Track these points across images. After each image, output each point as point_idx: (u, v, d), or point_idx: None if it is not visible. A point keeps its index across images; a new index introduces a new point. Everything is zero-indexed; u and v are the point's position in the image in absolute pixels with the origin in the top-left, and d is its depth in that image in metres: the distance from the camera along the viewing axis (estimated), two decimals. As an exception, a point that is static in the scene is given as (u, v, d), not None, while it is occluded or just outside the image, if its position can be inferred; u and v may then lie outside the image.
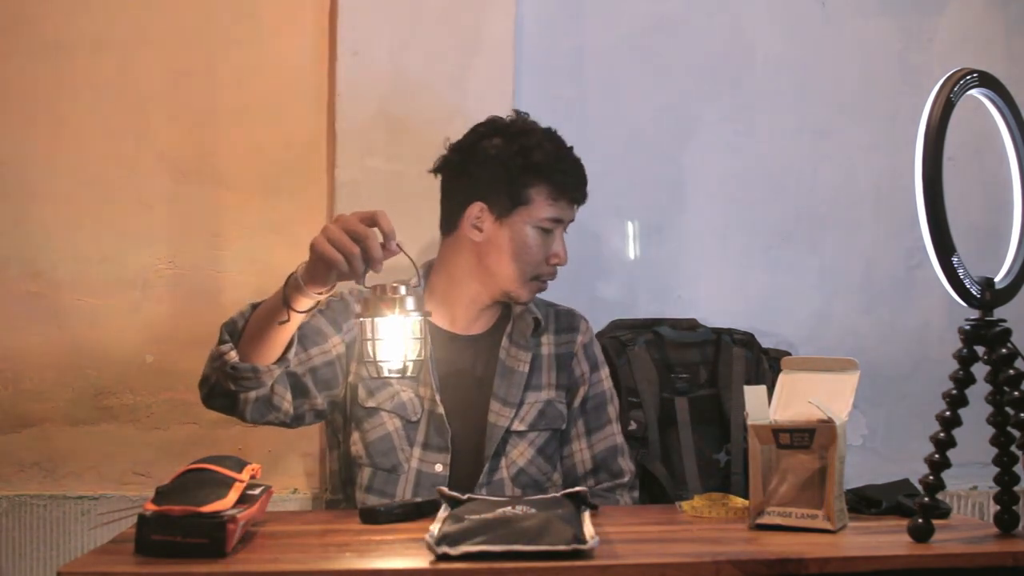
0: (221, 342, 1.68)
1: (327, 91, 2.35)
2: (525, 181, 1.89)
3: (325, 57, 2.35)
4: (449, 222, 1.95)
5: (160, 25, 2.33)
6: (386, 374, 1.54)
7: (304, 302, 1.62)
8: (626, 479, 1.96)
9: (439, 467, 1.85)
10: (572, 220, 1.97)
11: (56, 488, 2.30)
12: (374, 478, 1.86)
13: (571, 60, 2.48)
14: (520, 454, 1.90)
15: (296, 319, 1.64)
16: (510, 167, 1.89)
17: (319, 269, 1.57)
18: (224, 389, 1.70)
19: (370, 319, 1.53)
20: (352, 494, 1.90)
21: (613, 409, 2.01)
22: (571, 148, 1.96)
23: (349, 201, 2.32)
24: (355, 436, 1.88)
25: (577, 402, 1.98)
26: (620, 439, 1.99)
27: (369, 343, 1.53)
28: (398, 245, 1.56)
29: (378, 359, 1.53)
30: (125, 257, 2.32)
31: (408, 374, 1.55)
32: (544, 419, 1.93)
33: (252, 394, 1.71)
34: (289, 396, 1.76)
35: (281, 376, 1.73)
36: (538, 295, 1.98)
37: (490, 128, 1.94)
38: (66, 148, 2.31)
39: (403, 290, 1.53)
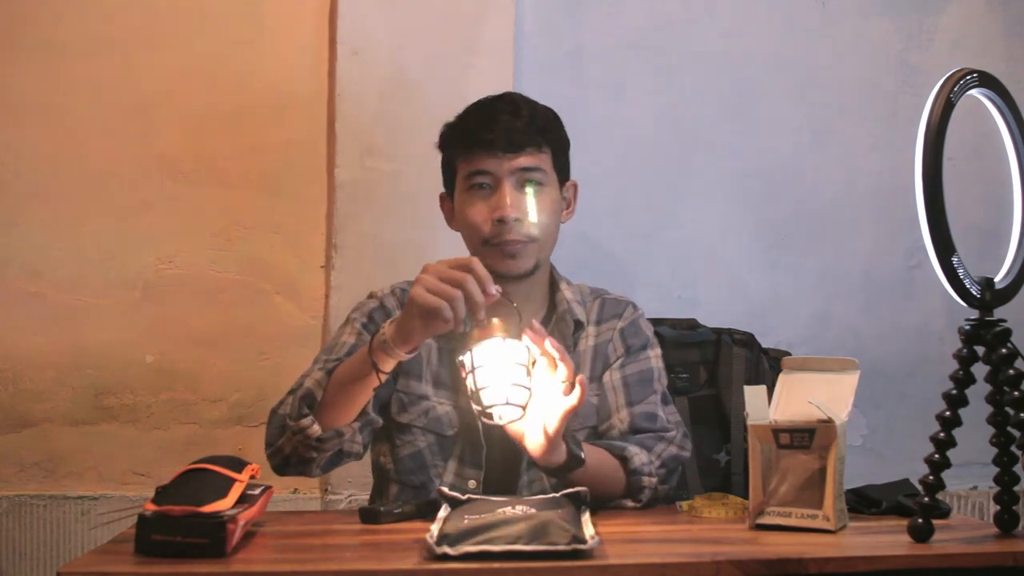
0: (300, 416, 1.61)
1: (327, 91, 2.35)
2: (447, 151, 1.86)
3: (325, 57, 2.36)
4: None
5: (160, 25, 2.34)
6: (488, 409, 1.45)
7: (390, 363, 1.57)
8: (669, 433, 1.79)
9: (472, 483, 1.77)
10: (526, 167, 1.78)
11: (56, 488, 2.30)
12: (401, 494, 1.79)
13: (571, 60, 2.48)
14: None
15: (383, 379, 1.59)
16: (440, 148, 1.88)
17: (416, 323, 1.50)
18: (302, 458, 1.65)
19: (469, 352, 1.45)
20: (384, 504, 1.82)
21: (661, 386, 1.85)
22: (502, 100, 1.82)
23: (349, 201, 2.32)
24: (384, 447, 1.82)
25: (612, 376, 1.83)
26: (662, 411, 1.82)
27: (470, 377, 1.46)
28: (498, 290, 1.49)
29: (478, 387, 1.44)
30: (125, 257, 2.32)
31: (517, 405, 1.45)
32: (577, 418, 1.78)
33: (328, 453, 1.65)
34: (359, 437, 1.67)
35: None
36: (590, 285, 1.92)
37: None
38: (66, 148, 2.31)
39: (496, 322, 1.46)
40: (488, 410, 1.46)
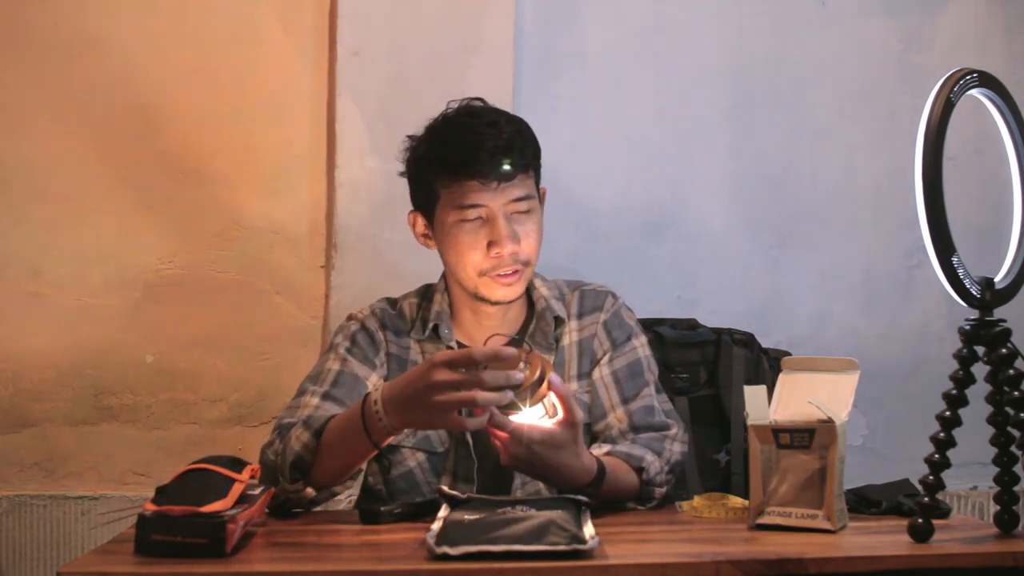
0: (292, 480, 1.61)
1: (327, 91, 2.35)
2: (428, 176, 1.77)
3: (325, 57, 2.36)
4: None
5: (160, 25, 2.34)
6: None
7: (390, 439, 1.59)
8: (672, 431, 1.79)
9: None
10: (520, 197, 1.75)
11: (56, 488, 2.30)
12: None
13: (571, 60, 2.48)
14: None
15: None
16: (414, 167, 1.81)
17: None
18: (297, 505, 1.65)
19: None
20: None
21: (652, 375, 1.84)
22: (479, 120, 1.75)
23: (349, 201, 2.32)
24: (373, 467, 1.81)
25: (601, 372, 1.82)
26: (657, 402, 1.82)
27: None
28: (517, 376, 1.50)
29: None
30: (125, 257, 2.32)
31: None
32: None
33: (322, 503, 1.68)
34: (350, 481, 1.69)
35: None
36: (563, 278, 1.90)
37: (413, 138, 1.83)
38: (66, 148, 2.31)
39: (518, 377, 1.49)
40: None
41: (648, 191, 2.52)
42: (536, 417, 1.54)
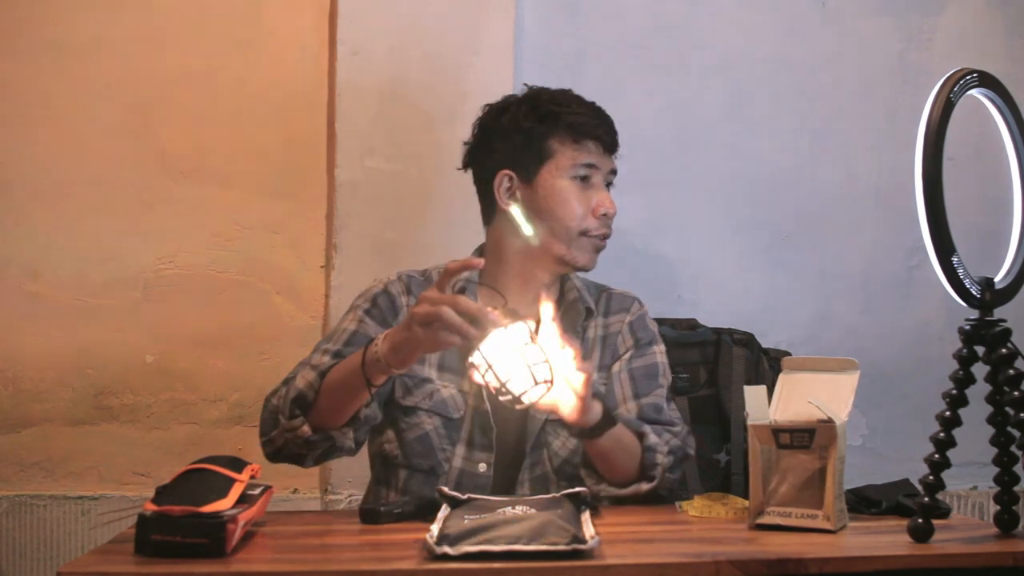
0: (291, 416, 1.63)
1: (327, 91, 2.35)
2: (543, 133, 1.82)
3: (325, 57, 2.36)
4: (487, 208, 1.88)
5: (160, 25, 2.34)
6: (522, 396, 1.50)
7: (383, 379, 1.60)
8: (676, 427, 1.82)
9: (483, 467, 1.77)
10: (613, 170, 1.87)
11: (56, 488, 2.30)
12: (410, 480, 1.78)
13: (571, 60, 2.48)
14: (562, 444, 1.79)
15: (374, 392, 1.63)
16: (524, 126, 1.83)
17: (418, 335, 1.51)
18: (294, 452, 1.68)
19: (477, 351, 1.49)
20: (387, 496, 1.81)
21: (665, 381, 1.88)
22: (579, 97, 1.88)
23: (349, 201, 2.32)
24: (390, 434, 1.81)
25: (620, 367, 1.86)
26: (667, 406, 1.85)
27: (490, 374, 1.49)
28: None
29: (503, 380, 1.49)
30: (125, 257, 2.32)
31: (546, 381, 1.50)
32: None
33: (318, 450, 1.68)
34: (351, 433, 1.70)
35: None
36: (591, 279, 1.93)
37: (502, 103, 1.89)
38: (66, 148, 2.31)
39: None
40: (522, 397, 1.50)
41: (648, 191, 2.52)
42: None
